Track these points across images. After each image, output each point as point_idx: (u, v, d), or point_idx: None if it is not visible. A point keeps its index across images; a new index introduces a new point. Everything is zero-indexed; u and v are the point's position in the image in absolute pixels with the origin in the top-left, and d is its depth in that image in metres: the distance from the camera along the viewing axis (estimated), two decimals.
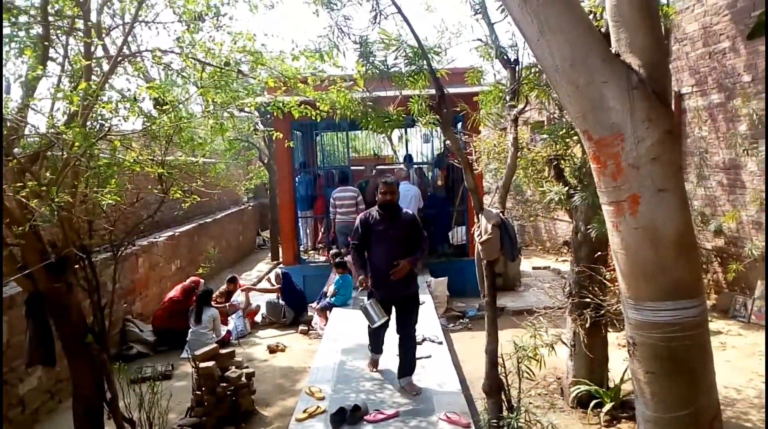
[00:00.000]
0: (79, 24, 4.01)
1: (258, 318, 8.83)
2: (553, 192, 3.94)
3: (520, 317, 5.44)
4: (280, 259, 12.25)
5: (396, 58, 3.84)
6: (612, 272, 4.65)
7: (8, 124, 3.47)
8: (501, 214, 3.61)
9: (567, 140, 4.07)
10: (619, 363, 5.18)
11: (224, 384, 5.19)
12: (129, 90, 3.72)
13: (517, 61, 3.81)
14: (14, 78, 3.65)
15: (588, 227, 3.96)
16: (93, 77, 3.74)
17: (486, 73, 4.53)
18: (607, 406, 4.73)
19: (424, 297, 7.82)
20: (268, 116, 9.50)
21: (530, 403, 4.83)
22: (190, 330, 7.24)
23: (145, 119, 3.72)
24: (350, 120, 4.70)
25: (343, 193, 9.25)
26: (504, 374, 3.92)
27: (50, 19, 3.91)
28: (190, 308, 7.48)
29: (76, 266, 3.75)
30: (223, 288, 8.83)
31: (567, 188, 4.12)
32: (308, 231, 11.11)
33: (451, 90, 3.96)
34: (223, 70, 4.27)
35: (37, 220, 3.22)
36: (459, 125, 8.62)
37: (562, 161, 4.56)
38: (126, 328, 7.57)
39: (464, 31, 4.04)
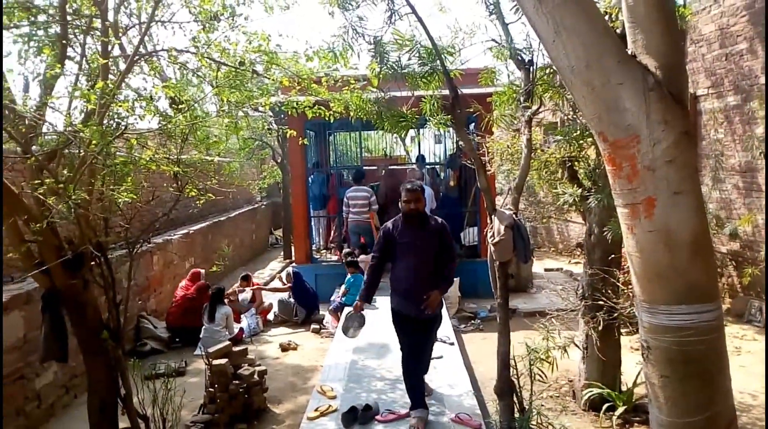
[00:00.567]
0: (97, 23, 4.06)
1: (270, 316, 8.87)
2: (567, 194, 3.92)
3: (532, 319, 5.42)
4: (293, 258, 12.30)
5: (409, 59, 3.85)
6: (625, 275, 4.62)
7: (27, 121, 3.52)
8: (514, 216, 3.60)
9: (581, 142, 4.05)
10: (631, 366, 5.15)
11: (237, 381, 5.22)
12: (145, 89, 3.76)
13: (531, 62, 3.80)
14: (33, 76, 3.70)
15: (603, 230, 3.94)
16: (110, 76, 3.78)
17: (500, 74, 4.51)
18: (620, 410, 4.70)
19: None
20: (282, 116, 9.55)
21: (542, 405, 4.82)
22: (204, 327, 7.29)
23: (161, 118, 3.75)
24: (363, 120, 4.70)
25: (356, 192, 9.27)
26: (516, 376, 3.91)
27: (68, 18, 3.96)
28: (203, 306, 7.53)
29: (92, 263, 3.79)
30: (237, 286, 8.88)
31: (581, 190, 4.10)
32: (321, 230, 11.15)
33: (465, 91, 3.97)
34: (238, 70, 4.29)
35: (54, 217, 3.27)
36: (471, 126, 8.61)
37: (576, 163, 4.54)
38: (140, 324, 7.65)
39: (478, 32, 4.03)
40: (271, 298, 9.25)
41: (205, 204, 4.50)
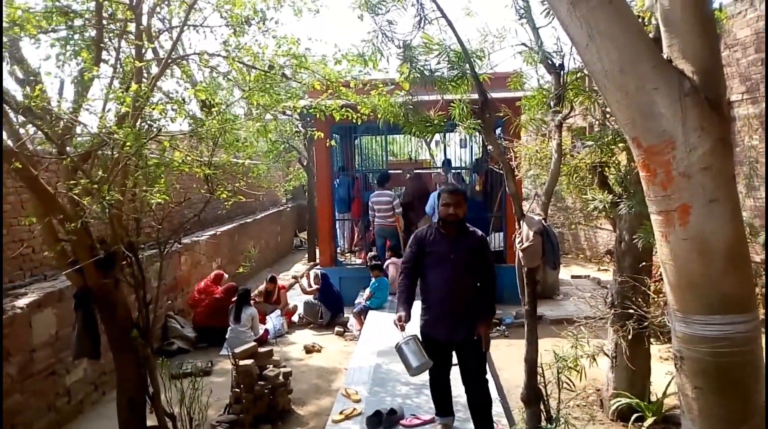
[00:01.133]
0: (130, 27, 4.14)
1: (294, 318, 8.93)
2: (598, 200, 3.87)
3: (559, 326, 5.35)
4: (317, 260, 12.36)
5: (438, 63, 3.84)
6: (657, 283, 4.54)
7: (62, 123, 3.61)
8: (543, 221, 3.56)
9: (612, 147, 3.99)
10: (661, 376, 5.05)
11: (262, 382, 5.26)
12: (177, 92, 3.82)
13: (562, 66, 3.76)
14: (70, 79, 3.79)
15: (633, 237, 3.87)
16: (143, 80, 3.85)
17: (529, 78, 4.46)
18: (649, 421, 4.60)
19: None
20: (308, 119, 9.62)
21: (569, 414, 4.75)
22: (230, 328, 7.37)
23: (191, 121, 3.81)
24: (389, 124, 4.69)
25: (380, 196, 9.29)
26: (543, 384, 3.86)
27: (104, 22, 4.04)
28: (230, 307, 7.62)
29: (124, 263, 3.86)
30: (263, 287, 8.96)
31: (611, 196, 4.04)
32: (345, 233, 11.19)
33: (493, 95, 3.94)
34: (267, 74, 4.34)
35: (88, 217, 3.34)
36: (498, 130, 8.55)
37: (607, 169, 4.47)
38: (167, 324, 7.76)
39: (508, 36, 4.00)
40: (296, 300, 9.31)
41: (232, 205, 4.55)
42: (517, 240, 3.62)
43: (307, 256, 14.74)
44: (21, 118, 3.48)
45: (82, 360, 5.52)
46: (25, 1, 3.52)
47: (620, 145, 3.94)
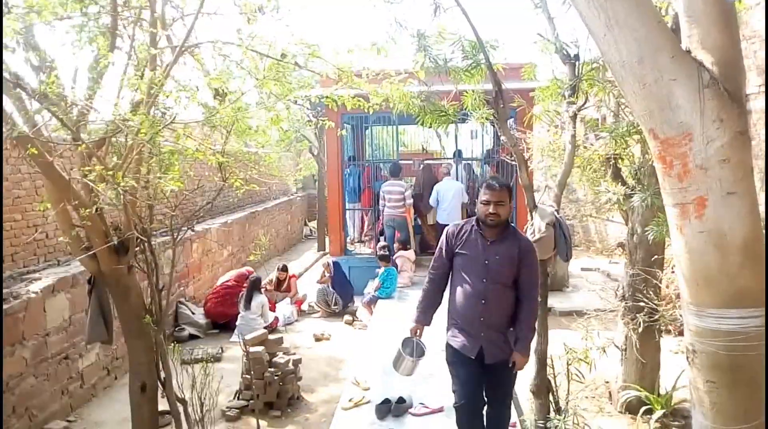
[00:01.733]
0: (145, 15, 4.14)
1: (304, 306, 8.98)
2: (611, 192, 3.85)
3: (568, 318, 5.36)
4: (327, 250, 12.40)
5: (453, 52, 3.81)
6: (669, 276, 4.52)
7: (77, 109, 3.62)
8: (556, 213, 3.55)
9: (626, 139, 3.96)
10: (670, 369, 5.04)
11: (272, 369, 5.30)
12: (190, 80, 3.82)
13: (577, 56, 3.72)
14: (85, 67, 3.80)
15: (645, 229, 3.85)
16: (157, 67, 3.85)
17: (543, 69, 4.42)
18: (658, 414, 4.60)
19: None
20: (319, 109, 9.61)
21: (577, 405, 4.76)
22: (240, 315, 7.42)
23: (204, 109, 3.81)
24: (405, 114, 4.66)
25: (392, 186, 9.28)
26: (552, 375, 3.87)
27: (118, 9, 4.04)
28: (240, 294, 7.67)
29: (137, 249, 3.89)
30: (274, 276, 9.01)
31: (625, 189, 4.02)
32: (355, 223, 11.21)
33: (506, 85, 3.91)
34: (280, 62, 4.32)
35: (102, 203, 3.36)
36: (510, 121, 8.50)
37: (620, 160, 4.44)
38: (179, 310, 7.83)
39: (521, 25, 3.97)
40: (305, 288, 9.36)
41: (243, 194, 4.57)
42: (530, 231, 3.61)
43: (316, 245, 14.78)
44: (35, 105, 3.50)
45: (94, 345, 5.59)
46: None
47: (635, 136, 3.90)
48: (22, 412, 4.77)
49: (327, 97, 4.65)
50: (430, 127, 4.14)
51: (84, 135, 3.74)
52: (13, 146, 5.27)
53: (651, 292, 4.41)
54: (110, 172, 3.16)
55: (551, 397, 3.80)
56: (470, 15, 3.50)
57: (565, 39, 3.82)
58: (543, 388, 3.73)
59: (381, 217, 9.59)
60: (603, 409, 5.04)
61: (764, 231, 2.30)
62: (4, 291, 4.90)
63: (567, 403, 3.81)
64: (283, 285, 8.98)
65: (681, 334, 5.52)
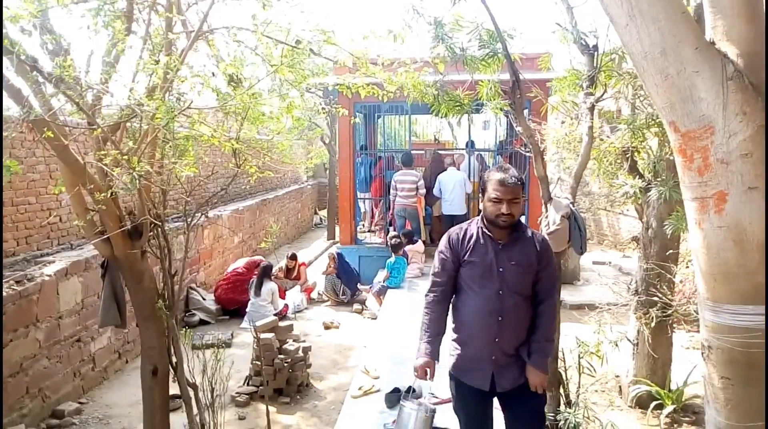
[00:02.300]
0: (160, 1, 4.12)
1: (314, 294, 9.01)
2: (628, 185, 3.81)
3: (580, 312, 5.33)
4: (336, 239, 12.42)
5: (470, 41, 3.77)
6: (685, 270, 4.48)
7: (90, 94, 3.63)
8: (570, 205, 3.51)
9: (644, 132, 3.91)
10: (682, 365, 5.01)
11: (282, 356, 5.33)
12: (204, 66, 3.80)
13: (596, 47, 3.67)
14: (102, 51, 3.80)
15: (662, 224, 3.81)
16: (172, 52, 3.85)
17: (561, 59, 4.38)
18: (668, 408, 4.58)
19: None
20: (331, 98, 9.58)
21: (588, 399, 4.75)
22: (250, 302, 7.47)
23: (218, 95, 3.80)
24: (415, 104, 4.61)
25: (405, 176, 9.25)
26: (563, 368, 3.85)
27: None
28: (251, 280, 7.71)
29: (150, 234, 3.90)
30: (284, 264, 9.05)
31: (642, 182, 3.98)
32: (366, 212, 11.21)
33: (522, 75, 3.87)
34: (295, 49, 4.30)
35: (116, 187, 3.37)
36: (525, 112, 8.44)
37: (637, 153, 4.39)
38: (189, 295, 7.88)
39: (538, 15, 3.92)
40: (315, 277, 9.39)
41: (255, 182, 4.56)
42: (544, 223, 3.58)
43: (326, 233, 14.81)
44: (51, 89, 3.51)
45: (106, 328, 5.65)
46: None
47: (652, 129, 3.86)
48: (35, 393, 4.84)
49: (341, 84, 4.62)
50: (445, 116, 4.10)
51: (98, 119, 3.76)
52: (30, 130, 5.30)
53: (665, 287, 4.38)
54: (125, 157, 3.16)
55: (562, 390, 3.79)
56: (488, 3, 3.46)
57: (584, 29, 3.77)
58: (554, 381, 3.72)
59: (392, 207, 9.57)
60: (613, 402, 5.02)
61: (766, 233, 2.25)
62: (19, 273, 4.94)
63: (578, 396, 3.80)
64: (292, 273, 9.01)
65: (695, 330, 5.49)
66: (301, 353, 5.55)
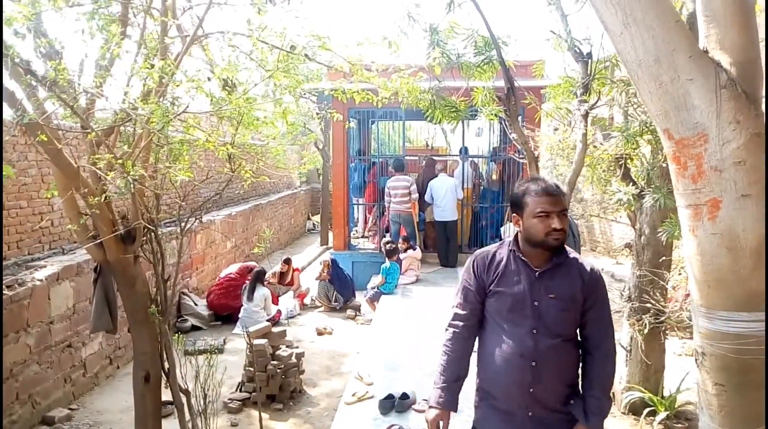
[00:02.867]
0: (155, 4, 4.12)
1: (307, 300, 8.99)
2: (622, 192, 3.83)
3: None
4: (329, 244, 12.41)
5: (465, 47, 3.80)
6: (678, 277, 4.50)
7: (84, 97, 3.61)
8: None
9: (637, 139, 3.94)
10: (674, 372, 5.02)
11: (275, 362, 5.31)
12: (199, 70, 3.80)
13: (590, 54, 3.70)
14: (96, 54, 3.79)
15: (656, 231, 3.84)
16: (167, 56, 3.84)
17: (555, 66, 4.41)
18: (662, 415, 4.59)
19: None
20: (325, 103, 9.60)
21: None
22: (243, 307, 7.44)
23: (212, 100, 3.80)
24: (409, 109, 4.63)
25: (397, 181, 9.26)
26: None
27: None
28: (243, 286, 7.69)
29: (144, 238, 3.88)
30: (277, 269, 9.02)
31: (635, 189, 4.00)
32: (359, 218, 11.21)
33: (517, 82, 3.89)
34: (290, 54, 4.30)
35: (110, 191, 3.36)
36: (519, 119, 8.47)
37: (630, 160, 4.42)
38: (181, 301, 7.84)
39: (532, 22, 3.95)
40: (308, 283, 9.36)
41: (248, 186, 4.55)
42: None
43: (319, 239, 14.78)
44: (44, 92, 3.49)
45: (98, 333, 5.60)
46: None
47: (645, 137, 3.88)
48: (25, 399, 4.79)
49: (336, 89, 4.63)
50: (440, 122, 4.12)
51: (92, 123, 3.74)
52: (22, 133, 5.27)
53: (658, 294, 4.39)
54: (120, 161, 3.15)
55: None
56: (483, 10, 3.48)
57: (578, 37, 3.80)
58: None
59: (386, 213, 9.58)
60: None
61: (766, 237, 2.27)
62: (10, 278, 4.90)
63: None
64: (286, 278, 8.99)
65: (688, 337, 5.51)
66: (294, 359, 5.53)
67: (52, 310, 5.16)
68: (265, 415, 4.91)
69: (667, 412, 4.61)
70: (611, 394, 2.63)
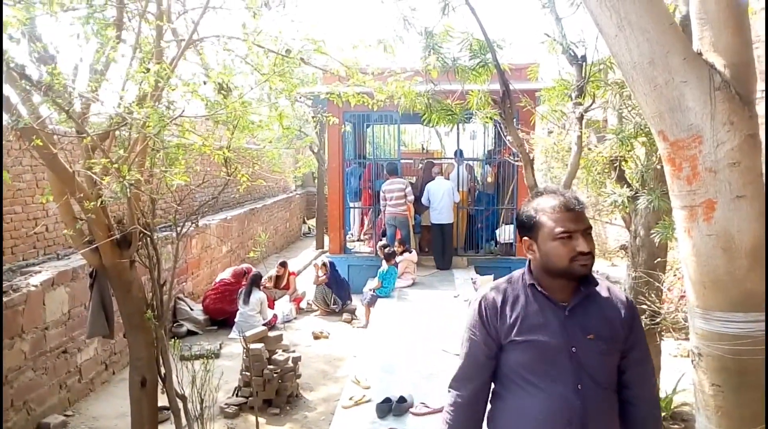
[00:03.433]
0: (151, 8, 4.12)
1: (303, 304, 8.98)
2: (616, 194, 3.84)
3: None
4: (325, 248, 12.40)
5: (460, 51, 3.81)
6: (673, 278, 4.52)
7: (81, 101, 3.60)
8: None
9: (632, 141, 3.95)
10: (670, 373, 5.04)
11: (271, 366, 5.29)
12: (194, 75, 3.80)
13: (584, 57, 3.71)
14: (92, 58, 3.78)
15: (651, 232, 3.85)
16: (162, 61, 3.84)
17: (549, 69, 4.43)
18: None
19: (470, 294, 7.79)
20: (320, 106, 9.61)
21: None
22: (239, 311, 7.42)
23: (207, 104, 3.80)
24: (404, 113, 4.63)
25: (392, 184, 9.28)
26: None
27: (124, 1, 4.02)
28: (239, 290, 7.67)
29: (139, 243, 3.87)
30: (273, 273, 9.01)
31: (630, 191, 4.01)
32: (355, 221, 11.21)
33: (511, 85, 3.90)
34: (285, 58, 4.31)
35: (107, 196, 3.35)
36: (514, 121, 8.50)
37: (624, 163, 4.43)
38: (177, 306, 7.82)
39: (526, 25, 3.97)
40: (304, 286, 9.35)
41: (243, 190, 4.55)
42: None
43: (315, 243, 14.77)
44: (38, 97, 3.48)
45: (93, 339, 5.58)
46: None
47: (640, 139, 3.90)
48: (20, 405, 4.76)
49: (331, 93, 4.64)
50: (436, 125, 4.13)
51: (88, 128, 3.73)
52: (17, 138, 5.26)
53: (653, 295, 4.40)
54: (115, 166, 3.14)
55: None
56: (478, 14, 3.49)
57: (573, 39, 3.81)
58: None
59: (382, 217, 9.58)
60: None
61: (767, 237, 2.28)
62: (5, 283, 4.88)
63: None
64: (282, 281, 8.97)
65: (683, 338, 5.53)
66: (290, 363, 5.52)
67: (47, 316, 5.13)
68: (261, 420, 4.89)
69: (664, 413, 4.62)
70: None
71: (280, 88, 4.32)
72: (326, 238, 11.73)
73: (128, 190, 2.93)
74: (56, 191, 3.62)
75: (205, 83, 3.32)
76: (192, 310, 7.89)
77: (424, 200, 9.38)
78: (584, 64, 3.64)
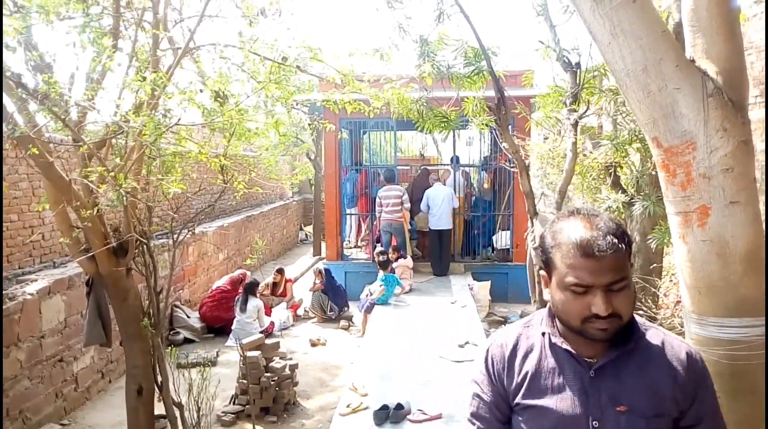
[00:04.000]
0: (147, 16, 4.13)
1: (300, 311, 8.96)
2: (611, 200, 3.86)
3: None
4: (322, 254, 12.40)
5: (455, 58, 3.83)
6: (669, 284, 4.53)
7: (75, 110, 3.61)
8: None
9: (626, 147, 3.98)
10: None
11: (269, 374, 5.28)
12: (191, 83, 3.82)
13: (579, 64, 3.74)
14: (88, 67, 3.79)
15: (647, 238, 3.87)
16: (159, 69, 3.85)
17: (543, 76, 4.45)
18: None
19: (467, 300, 7.80)
20: (317, 113, 9.63)
21: None
22: (236, 319, 7.40)
23: (204, 112, 3.81)
24: (400, 120, 4.64)
25: (389, 191, 9.28)
26: None
27: (121, 10, 4.04)
28: (236, 297, 7.66)
29: (135, 251, 3.87)
30: (270, 280, 9.00)
31: (625, 197, 4.04)
32: (352, 228, 11.20)
33: (506, 92, 3.92)
34: (282, 65, 4.33)
35: (103, 204, 3.35)
36: (509, 128, 8.53)
37: (620, 169, 4.46)
38: (174, 313, 7.80)
39: (520, 33, 3.99)
40: (301, 293, 9.34)
41: (240, 197, 4.56)
42: (530, 238, 3.61)
43: (312, 250, 14.76)
44: (34, 106, 3.49)
45: (89, 348, 5.56)
46: None
47: (635, 145, 3.92)
48: (16, 414, 4.73)
49: (328, 100, 4.66)
50: (430, 132, 4.15)
51: (84, 136, 3.74)
52: (13, 146, 5.26)
53: (649, 300, 4.42)
54: (112, 174, 3.15)
55: None
56: (473, 21, 3.52)
57: (567, 46, 3.84)
58: None
59: (378, 223, 9.58)
60: None
61: (766, 240, 2.30)
62: None
63: None
64: (279, 288, 8.96)
65: None
66: (287, 371, 5.51)
67: (43, 324, 5.11)
68: (259, 428, 4.88)
69: None
70: None
71: (277, 96, 4.33)
72: (323, 245, 11.72)
73: (125, 198, 2.93)
74: (52, 199, 3.62)
75: (201, 91, 3.32)
76: (189, 317, 7.87)
77: (422, 206, 9.38)
78: (578, 70, 3.67)
